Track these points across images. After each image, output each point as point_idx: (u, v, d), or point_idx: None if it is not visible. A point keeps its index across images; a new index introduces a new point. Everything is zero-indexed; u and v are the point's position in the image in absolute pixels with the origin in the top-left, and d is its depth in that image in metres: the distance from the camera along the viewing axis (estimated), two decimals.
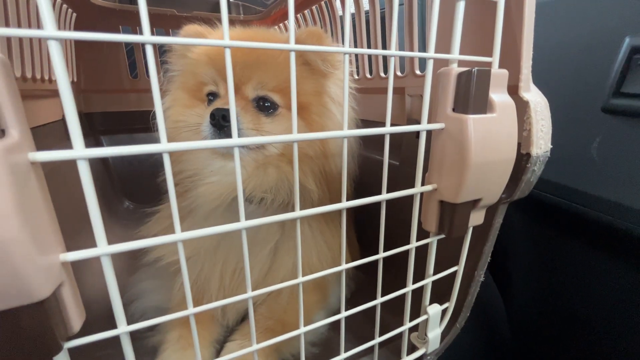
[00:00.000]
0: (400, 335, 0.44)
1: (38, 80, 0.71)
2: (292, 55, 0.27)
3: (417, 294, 0.43)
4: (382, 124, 0.32)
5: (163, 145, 0.23)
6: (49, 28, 0.19)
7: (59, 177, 0.66)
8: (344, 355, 0.39)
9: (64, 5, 0.85)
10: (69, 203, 0.62)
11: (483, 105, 0.33)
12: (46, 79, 0.75)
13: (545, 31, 0.66)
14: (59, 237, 0.23)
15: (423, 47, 0.89)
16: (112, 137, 1.10)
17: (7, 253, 0.18)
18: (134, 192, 1.12)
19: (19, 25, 0.62)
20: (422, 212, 0.39)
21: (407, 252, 0.39)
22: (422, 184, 0.36)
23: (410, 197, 0.36)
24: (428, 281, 0.42)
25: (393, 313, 0.46)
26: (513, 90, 0.38)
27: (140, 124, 1.10)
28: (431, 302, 0.44)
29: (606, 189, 0.56)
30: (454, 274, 0.44)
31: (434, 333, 0.46)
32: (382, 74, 0.76)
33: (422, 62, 0.68)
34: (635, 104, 0.52)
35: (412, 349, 0.47)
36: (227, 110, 0.47)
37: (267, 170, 0.51)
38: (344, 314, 0.38)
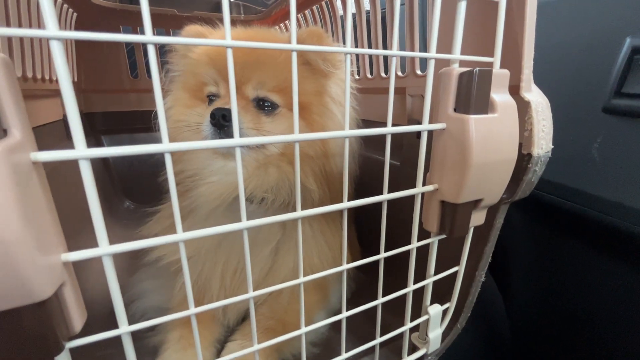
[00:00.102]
0: (401, 335, 0.44)
1: (39, 80, 0.71)
2: (294, 55, 0.27)
3: (418, 294, 0.43)
4: (383, 124, 0.32)
5: (164, 145, 0.23)
6: (51, 28, 0.19)
7: (60, 177, 0.66)
8: (344, 355, 0.39)
9: (65, 5, 0.85)
10: (70, 203, 0.62)
11: (484, 105, 0.33)
12: (46, 79, 0.75)
13: (547, 31, 0.65)
14: (61, 237, 0.23)
15: (424, 47, 0.89)
16: (113, 137, 1.10)
17: (9, 253, 0.18)
18: (134, 192, 1.12)
19: (20, 25, 0.62)
20: (423, 212, 0.39)
21: (408, 252, 0.39)
22: (424, 184, 0.36)
23: (411, 198, 0.36)
24: (429, 281, 0.42)
25: (394, 313, 0.46)
26: (514, 90, 0.38)
27: (140, 124, 1.10)
28: (432, 302, 0.44)
29: (607, 189, 0.56)
30: (455, 274, 0.44)
31: (435, 333, 0.46)
32: (383, 74, 0.76)
33: (423, 62, 0.68)
34: (636, 104, 0.52)
35: (413, 349, 0.47)
36: (227, 110, 0.47)
37: (267, 170, 0.51)
38: (345, 314, 0.38)
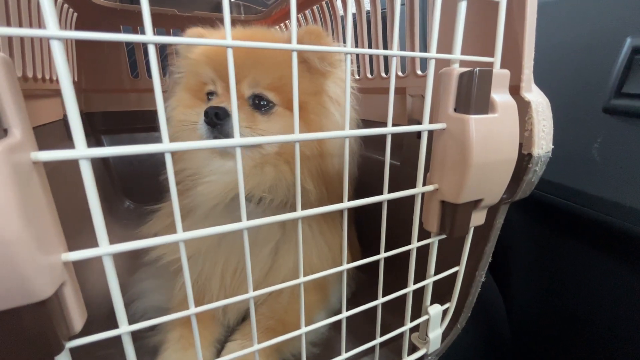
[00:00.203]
0: (401, 335, 0.44)
1: (39, 80, 0.71)
2: (294, 55, 0.27)
3: (418, 294, 0.43)
4: (383, 124, 0.32)
5: (164, 145, 0.23)
6: (52, 28, 0.19)
7: (60, 177, 0.66)
8: (344, 355, 0.39)
9: (65, 5, 0.85)
10: (70, 203, 0.62)
11: (485, 105, 0.33)
12: (47, 79, 0.75)
13: (547, 31, 0.65)
14: (61, 237, 0.23)
15: (424, 47, 0.89)
16: (113, 137, 1.10)
17: (9, 253, 0.18)
18: (134, 191, 1.12)
19: (20, 25, 0.62)
20: (424, 213, 0.39)
21: (408, 252, 0.39)
22: (424, 184, 0.36)
23: (411, 198, 0.36)
24: (429, 281, 0.42)
25: (394, 313, 0.46)
26: (515, 90, 0.38)
27: (141, 124, 1.10)
28: (432, 302, 0.44)
29: (607, 189, 0.56)
30: (455, 274, 0.44)
31: (435, 333, 0.46)
32: (383, 74, 0.76)
33: (423, 62, 0.68)
34: (636, 104, 0.52)
35: (413, 349, 0.47)
36: (220, 108, 0.47)
37: (264, 169, 0.51)
38: (345, 314, 0.38)
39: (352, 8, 0.29)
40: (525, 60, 0.38)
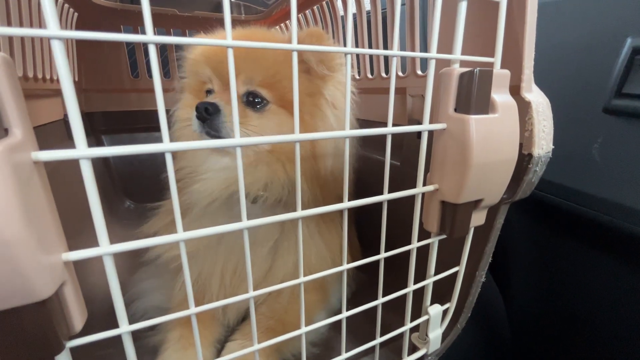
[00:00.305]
0: (401, 335, 0.44)
1: (39, 79, 0.71)
2: (294, 55, 0.27)
3: (418, 294, 0.43)
4: (383, 124, 0.32)
5: (165, 145, 0.23)
6: (53, 28, 0.19)
7: (60, 177, 0.66)
8: (344, 355, 0.39)
9: (66, 5, 0.85)
10: (70, 203, 0.62)
11: (485, 105, 0.33)
12: (47, 79, 0.75)
13: (547, 31, 0.65)
14: (62, 237, 0.23)
15: (424, 47, 0.89)
16: (113, 137, 1.11)
17: (10, 252, 0.18)
18: (134, 191, 1.12)
19: (21, 25, 0.62)
20: (424, 213, 0.39)
21: (408, 252, 0.39)
22: (424, 184, 0.36)
23: (411, 198, 0.36)
24: (429, 281, 0.42)
25: (394, 313, 0.46)
26: (515, 90, 0.38)
27: (141, 124, 1.10)
28: (432, 303, 0.44)
29: (607, 189, 0.56)
30: (455, 274, 0.44)
31: (435, 333, 0.46)
32: (384, 74, 0.76)
33: (424, 63, 0.68)
34: (637, 104, 0.52)
35: (413, 349, 0.47)
36: (210, 104, 0.48)
37: (257, 167, 0.51)
38: (345, 314, 0.38)
39: (352, 8, 0.29)
40: (526, 60, 0.38)
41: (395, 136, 0.33)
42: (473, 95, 0.32)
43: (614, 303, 0.61)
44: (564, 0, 0.65)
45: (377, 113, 0.76)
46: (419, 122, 0.34)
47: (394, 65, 0.33)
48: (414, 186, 0.36)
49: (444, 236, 0.39)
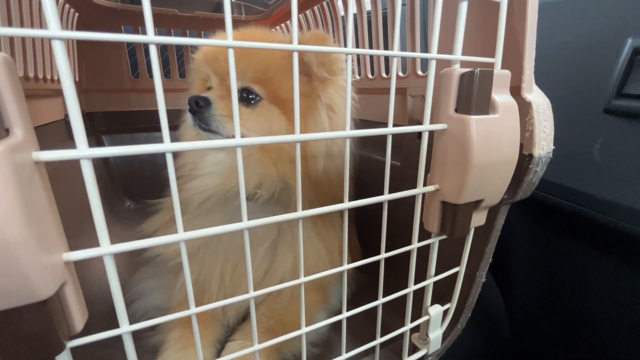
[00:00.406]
0: (402, 335, 0.44)
1: (40, 80, 0.71)
2: (295, 56, 0.27)
3: (419, 294, 0.43)
4: (383, 124, 0.32)
5: (165, 145, 0.23)
6: (54, 28, 0.19)
7: (60, 177, 0.66)
8: (345, 355, 0.39)
9: (67, 5, 0.85)
10: (70, 203, 0.62)
11: (485, 106, 0.33)
12: (48, 79, 0.75)
13: (548, 32, 0.65)
14: (62, 237, 0.23)
15: (425, 48, 0.89)
16: (114, 137, 1.11)
17: (11, 252, 0.18)
18: (135, 191, 1.12)
19: (22, 25, 0.62)
20: (424, 213, 0.39)
21: (408, 252, 0.39)
22: (424, 185, 0.36)
23: (412, 198, 0.36)
24: (429, 282, 0.42)
25: (394, 314, 0.46)
26: (515, 91, 0.38)
27: (141, 124, 1.10)
28: (432, 303, 0.44)
29: (608, 190, 0.56)
30: (456, 274, 0.44)
31: (435, 334, 0.46)
32: (384, 75, 0.76)
33: (424, 63, 0.68)
34: (637, 105, 0.52)
35: (413, 349, 0.47)
36: (201, 97, 0.50)
37: (249, 164, 0.52)
38: (345, 314, 0.38)
39: (353, 8, 0.29)
40: (526, 60, 0.38)
41: (395, 136, 0.33)
42: (474, 95, 0.32)
43: (614, 303, 0.61)
44: (565, 0, 0.65)
45: (377, 113, 0.76)
46: (420, 123, 0.34)
47: (395, 65, 0.33)
48: (414, 186, 0.36)
49: (445, 236, 0.39)
